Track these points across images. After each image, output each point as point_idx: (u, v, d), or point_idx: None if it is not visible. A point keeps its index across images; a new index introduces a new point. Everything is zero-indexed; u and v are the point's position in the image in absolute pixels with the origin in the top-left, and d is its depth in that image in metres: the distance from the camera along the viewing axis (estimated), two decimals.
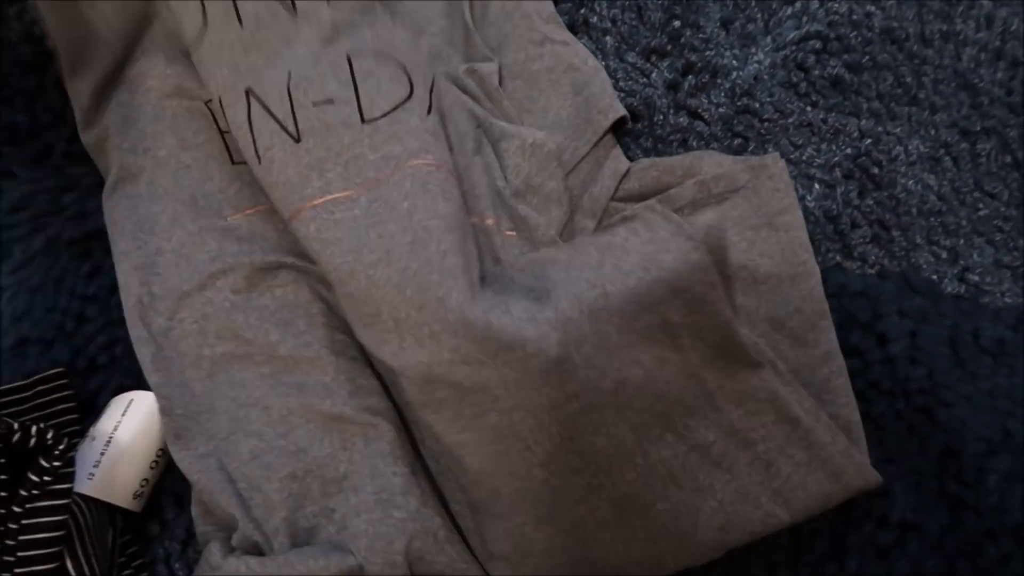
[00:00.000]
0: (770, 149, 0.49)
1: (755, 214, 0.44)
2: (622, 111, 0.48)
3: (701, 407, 0.40)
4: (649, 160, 0.48)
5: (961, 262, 0.47)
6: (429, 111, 0.42)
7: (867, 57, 0.50)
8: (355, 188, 0.39)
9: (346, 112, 0.40)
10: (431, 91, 0.43)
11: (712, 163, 0.46)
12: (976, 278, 0.46)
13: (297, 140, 0.40)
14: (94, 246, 0.46)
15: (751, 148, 0.49)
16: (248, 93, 0.41)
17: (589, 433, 0.37)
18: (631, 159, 0.48)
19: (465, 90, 0.48)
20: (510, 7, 0.50)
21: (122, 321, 0.44)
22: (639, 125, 0.49)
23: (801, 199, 0.48)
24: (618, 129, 0.49)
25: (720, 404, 0.40)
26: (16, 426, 0.37)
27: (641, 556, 0.39)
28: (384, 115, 0.40)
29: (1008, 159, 0.49)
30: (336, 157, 0.39)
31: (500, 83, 0.48)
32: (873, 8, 0.52)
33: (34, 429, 0.37)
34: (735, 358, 0.40)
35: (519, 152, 0.45)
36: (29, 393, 0.43)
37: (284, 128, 0.40)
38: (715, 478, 0.40)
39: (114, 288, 0.45)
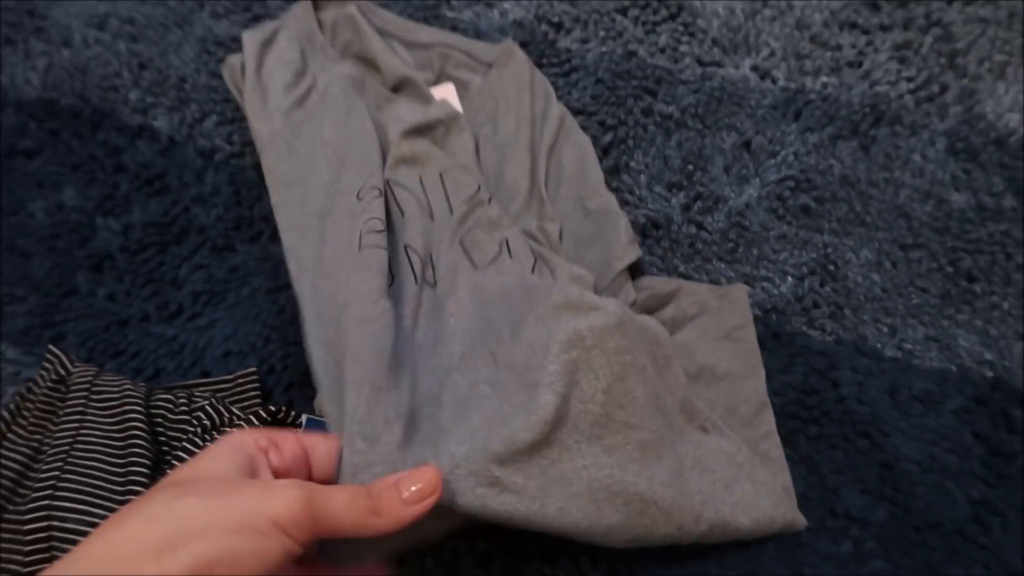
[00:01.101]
0: (755, 252, 0.68)
1: (718, 328, 0.59)
2: (635, 256, 0.63)
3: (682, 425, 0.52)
4: (648, 281, 0.63)
5: (899, 335, 0.63)
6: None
7: (828, 193, 0.70)
8: None
9: None
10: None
11: (689, 291, 0.61)
12: (910, 347, 0.62)
13: None
14: (280, 294, 0.68)
15: (740, 250, 0.68)
16: None
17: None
18: (652, 255, 0.68)
19: (535, 240, 0.64)
20: (568, 191, 0.69)
21: (294, 342, 0.65)
22: (659, 232, 0.69)
23: (777, 288, 0.65)
24: (644, 238, 0.69)
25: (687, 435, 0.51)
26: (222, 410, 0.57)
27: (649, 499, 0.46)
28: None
29: (934, 265, 0.66)
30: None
31: (560, 238, 0.65)
32: (834, 161, 0.72)
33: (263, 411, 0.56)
34: (691, 417, 0.53)
35: (568, 279, 0.57)
36: (231, 384, 0.63)
37: None
38: (701, 471, 0.53)
39: (291, 322, 0.66)
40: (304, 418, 0.60)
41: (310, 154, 0.67)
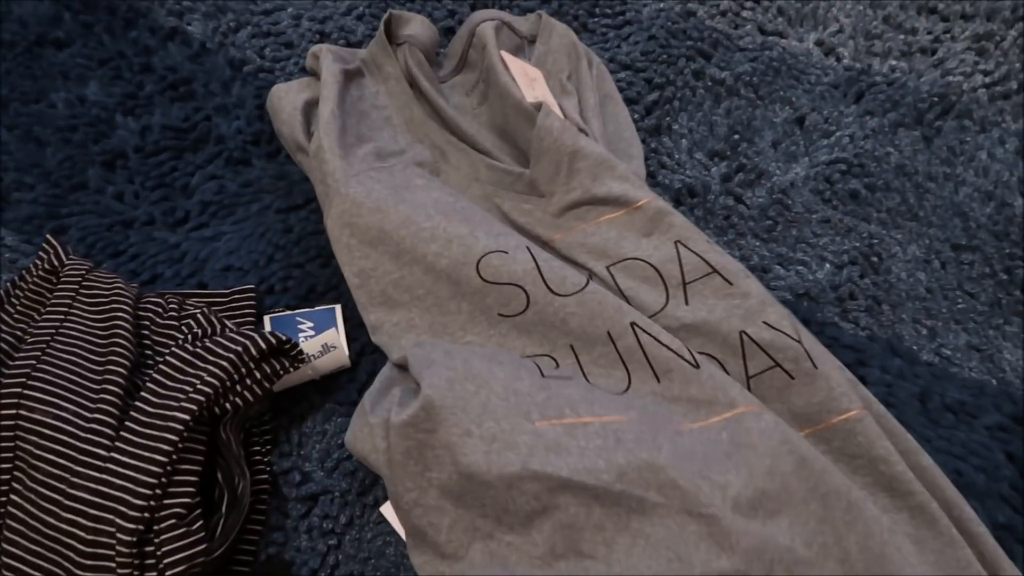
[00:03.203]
0: (794, 233, 0.63)
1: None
2: None
3: None
4: None
5: (938, 339, 0.58)
6: None
7: (882, 181, 0.65)
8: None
9: None
10: None
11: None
12: (949, 353, 0.57)
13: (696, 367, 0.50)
14: (291, 214, 0.65)
15: (779, 229, 0.63)
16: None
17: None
18: None
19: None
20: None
21: (297, 264, 0.62)
22: (694, 200, 0.65)
23: (813, 273, 0.61)
24: (677, 204, 0.65)
25: None
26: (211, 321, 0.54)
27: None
28: None
29: (987, 270, 0.61)
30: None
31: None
32: (892, 149, 0.67)
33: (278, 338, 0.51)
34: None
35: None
36: (226, 299, 0.60)
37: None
38: None
39: (297, 242, 0.63)
40: (267, 319, 0.58)
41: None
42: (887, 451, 0.47)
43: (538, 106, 0.62)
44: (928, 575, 0.44)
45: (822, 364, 0.50)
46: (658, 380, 0.50)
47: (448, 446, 0.45)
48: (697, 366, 0.49)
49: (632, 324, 0.51)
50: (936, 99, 0.69)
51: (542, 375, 0.49)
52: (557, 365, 0.53)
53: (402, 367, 0.52)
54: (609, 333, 0.52)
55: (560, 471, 0.44)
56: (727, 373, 0.51)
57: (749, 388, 0.51)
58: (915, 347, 0.58)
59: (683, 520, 0.44)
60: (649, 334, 0.51)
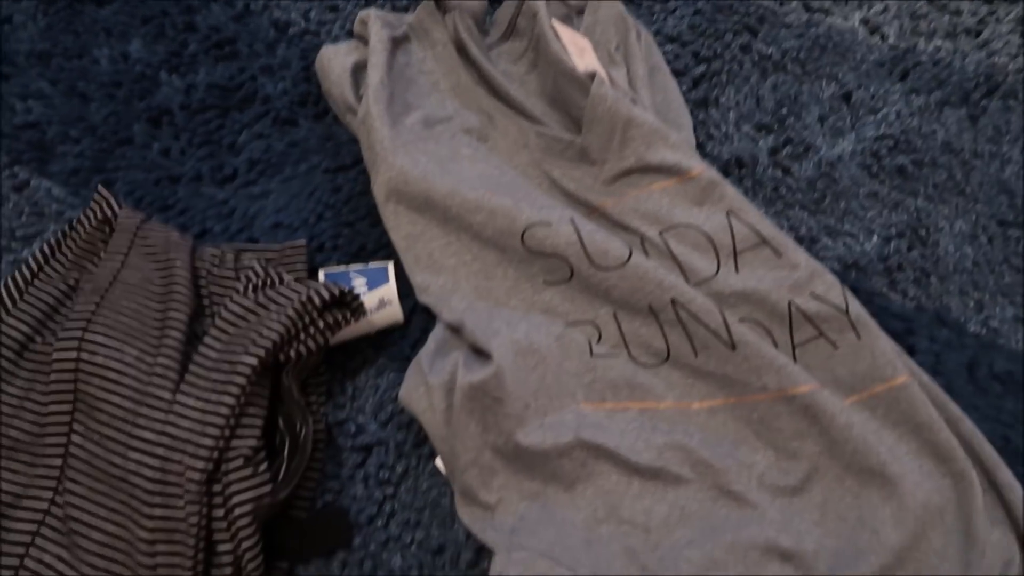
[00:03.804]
0: (842, 205, 0.64)
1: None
2: None
3: None
4: None
5: (985, 311, 0.59)
6: None
7: (928, 157, 0.66)
8: None
9: None
10: None
11: None
12: (996, 325, 0.58)
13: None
14: (339, 174, 0.65)
15: (827, 201, 0.64)
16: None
17: None
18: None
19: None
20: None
21: (347, 223, 0.62)
22: (743, 171, 0.65)
23: (861, 245, 0.61)
24: (726, 175, 0.65)
25: None
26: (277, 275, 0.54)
27: None
28: None
29: None
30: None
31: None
32: (938, 127, 0.67)
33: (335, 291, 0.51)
34: None
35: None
36: (278, 254, 0.60)
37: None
38: None
39: (346, 202, 0.63)
40: (321, 273, 0.58)
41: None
42: (931, 418, 0.48)
43: (591, 75, 0.62)
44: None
45: (866, 334, 0.51)
46: (696, 354, 0.51)
47: (510, 415, 0.47)
48: (733, 348, 0.50)
49: (672, 300, 0.52)
50: (982, 79, 0.70)
51: (591, 354, 0.51)
52: (600, 334, 0.54)
53: (455, 329, 0.53)
54: (651, 306, 0.53)
55: (607, 443, 0.47)
56: (774, 342, 0.52)
57: (795, 356, 0.52)
58: (962, 318, 0.58)
59: (715, 495, 0.47)
60: (688, 311, 0.51)
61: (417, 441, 0.53)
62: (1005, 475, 0.47)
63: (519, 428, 0.47)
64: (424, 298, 0.56)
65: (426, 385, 0.49)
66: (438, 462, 0.51)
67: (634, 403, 0.50)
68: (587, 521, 0.46)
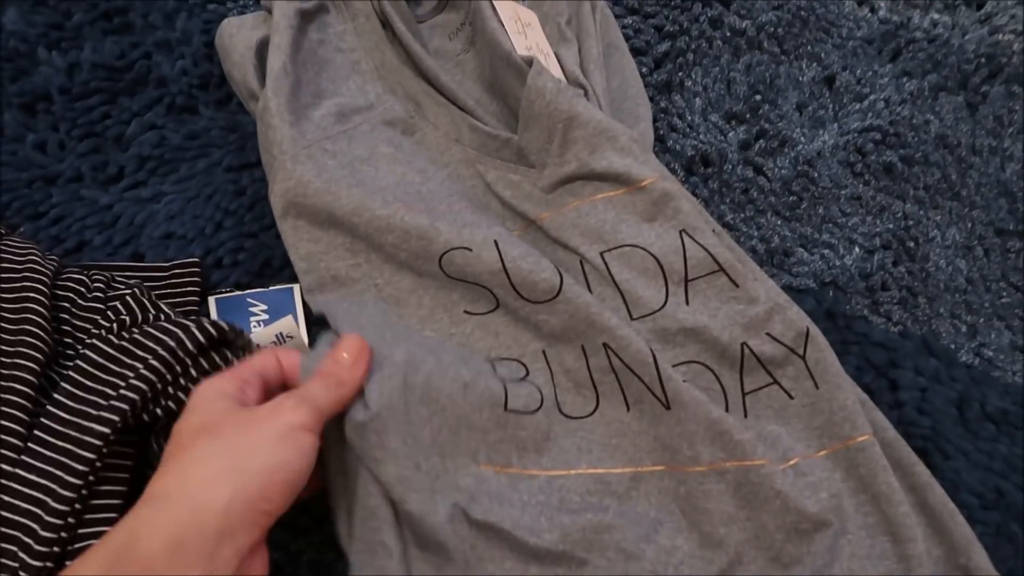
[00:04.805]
0: (820, 211, 0.56)
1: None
2: None
3: None
4: None
5: (979, 338, 0.52)
6: None
7: (919, 153, 0.58)
8: None
9: None
10: None
11: None
12: (991, 354, 0.51)
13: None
14: (243, 173, 0.56)
15: (803, 206, 0.56)
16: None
17: None
18: (697, 197, 0.55)
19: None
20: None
21: (250, 234, 0.53)
22: (709, 170, 0.57)
23: (840, 259, 0.54)
24: (689, 175, 0.57)
25: None
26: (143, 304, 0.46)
27: None
28: None
29: None
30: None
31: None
32: (932, 117, 0.59)
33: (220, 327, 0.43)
34: None
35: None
36: (165, 274, 0.52)
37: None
38: None
39: (250, 207, 0.54)
40: (211, 300, 0.50)
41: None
42: (890, 488, 0.42)
43: (529, 61, 0.53)
44: None
45: (824, 384, 0.44)
46: (627, 408, 0.45)
47: (391, 481, 0.39)
48: (667, 407, 0.43)
49: (604, 345, 0.44)
50: (983, 60, 0.61)
51: (505, 407, 0.44)
52: (527, 371, 0.46)
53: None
54: (583, 348, 0.45)
55: (502, 523, 0.40)
56: (723, 388, 0.45)
57: (744, 406, 0.45)
58: (953, 346, 0.51)
59: None
60: (621, 359, 0.44)
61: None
62: (979, 558, 0.41)
63: (404, 492, 0.39)
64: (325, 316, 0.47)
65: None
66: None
67: (542, 471, 0.43)
68: None
